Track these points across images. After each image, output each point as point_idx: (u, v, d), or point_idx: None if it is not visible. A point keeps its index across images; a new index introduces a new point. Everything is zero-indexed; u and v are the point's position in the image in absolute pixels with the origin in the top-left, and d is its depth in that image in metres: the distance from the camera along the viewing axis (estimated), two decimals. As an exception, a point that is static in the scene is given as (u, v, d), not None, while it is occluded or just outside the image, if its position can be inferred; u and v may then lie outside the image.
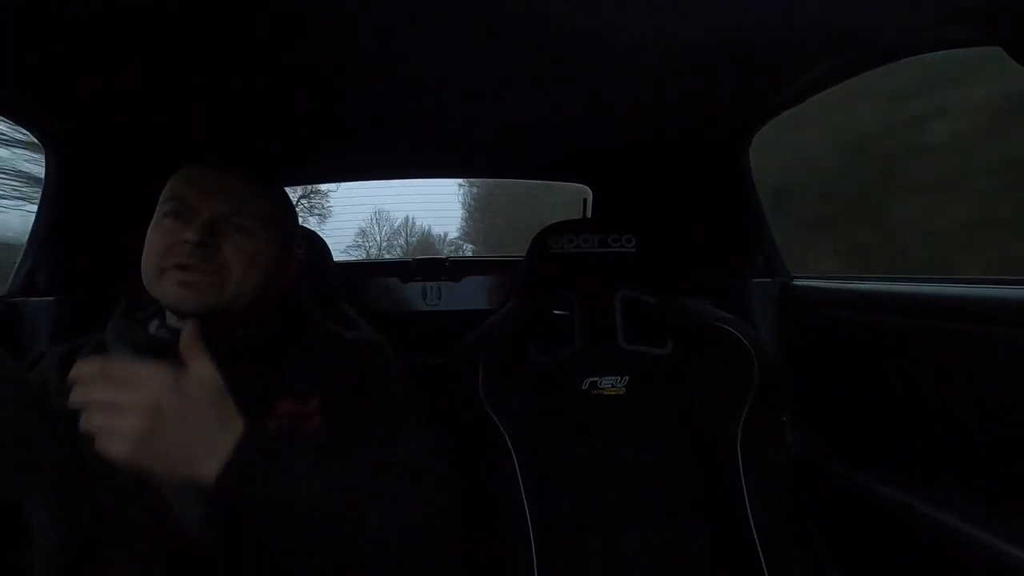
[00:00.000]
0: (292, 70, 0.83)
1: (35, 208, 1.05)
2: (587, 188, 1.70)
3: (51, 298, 1.02)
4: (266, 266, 0.73)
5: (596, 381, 1.03)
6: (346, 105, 1.00)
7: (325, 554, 0.56)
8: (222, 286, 0.68)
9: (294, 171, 1.54)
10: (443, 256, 1.65)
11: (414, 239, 9.27)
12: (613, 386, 1.03)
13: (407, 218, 9.29)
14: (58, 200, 1.04)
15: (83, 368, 0.49)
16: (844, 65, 0.83)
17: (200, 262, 0.67)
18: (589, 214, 1.67)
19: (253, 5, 0.64)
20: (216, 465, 0.50)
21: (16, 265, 1.04)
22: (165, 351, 0.70)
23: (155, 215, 0.71)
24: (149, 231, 0.71)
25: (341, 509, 0.56)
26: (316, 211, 8.91)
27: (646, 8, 0.66)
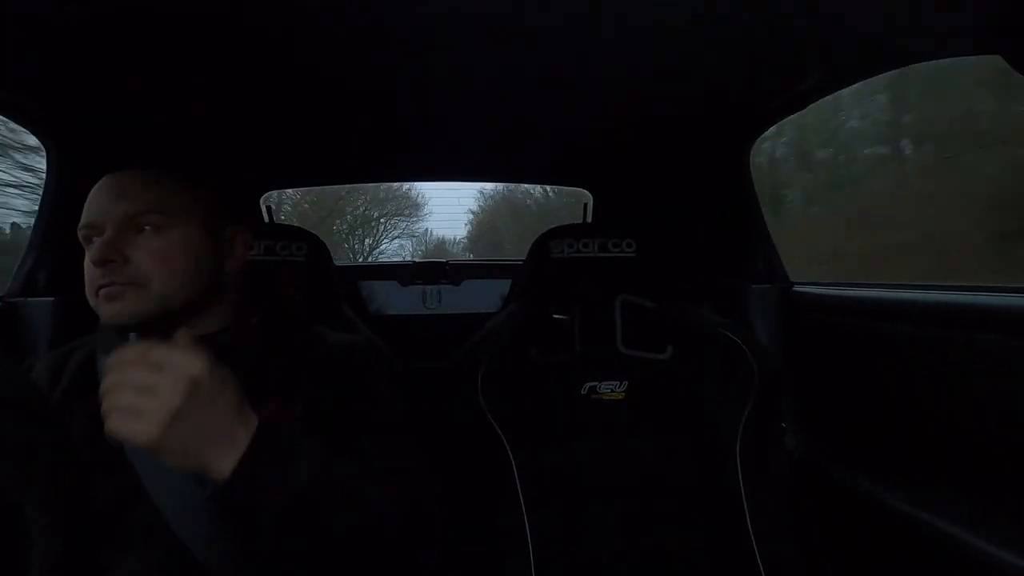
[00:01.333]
0: (294, 72, 0.83)
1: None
2: (588, 193, 1.70)
3: (51, 299, 1.02)
4: (189, 255, 0.70)
5: (595, 386, 1.03)
6: (347, 108, 1.00)
7: (310, 548, 0.56)
8: (144, 290, 0.67)
9: (293, 173, 1.54)
10: (443, 260, 1.65)
11: (431, 245, 12.09)
12: (612, 391, 1.03)
13: (426, 229, 12.11)
14: (58, 200, 1.04)
15: (122, 353, 0.50)
16: (845, 71, 0.84)
17: (113, 276, 0.66)
18: (590, 218, 1.67)
19: (256, 7, 0.64)
20: (233, 458, 0.50)
21: (16, 265, 1.04)
22: None
23: None
24: None
25: (338, 506, 0.57)
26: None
27: (648, 12, 0.67)
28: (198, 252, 0.71)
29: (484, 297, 1.59)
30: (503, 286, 1.59)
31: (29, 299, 1.01)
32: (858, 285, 1.05)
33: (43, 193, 1.04)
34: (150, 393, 0.47)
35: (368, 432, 0.71)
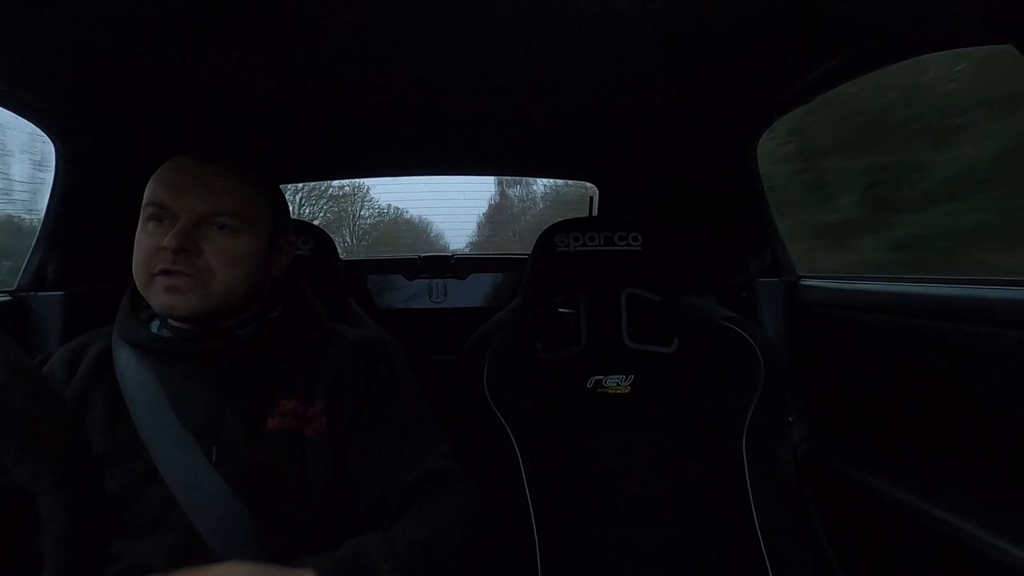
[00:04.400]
0: (300, 67, 0.83)
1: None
2: (593, 186, 1.70)
3: (60, 292, 1.03)
4: (252, 261, 0.72)
5: (601, 379, 1.03)
6: (354, 102, 1.00)
7: None
8: (207, 287, 0.68)
9: (299, 167, 1.54)
10: (449, 254, 1.65)
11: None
12: (618, 385, 1.03)
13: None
14: (67, 195, 1.05)
15: None
16: (854, 62, 0.83)
17: (183, 266, 0.67)
18: (595, 212, 1.67)
19: (263, 2, 0.64)
20: None
21: (26, 259, 1.05)
22: (167, 350, 0.71)
23: (140, 217, 0.71)
24: (136, 234, 0.71)
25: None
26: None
27: (654, 4, 0.66)
28: (259, 258, 0.73)
29: (490, 291, 1.60)
30: (509, 280, 1.60)
31: (38, 293, 1.02)
32: (865, 279, 1.04)
33: (51, 188, 1.05)
34: None
35: (399, 429, 0.72)
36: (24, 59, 0.77)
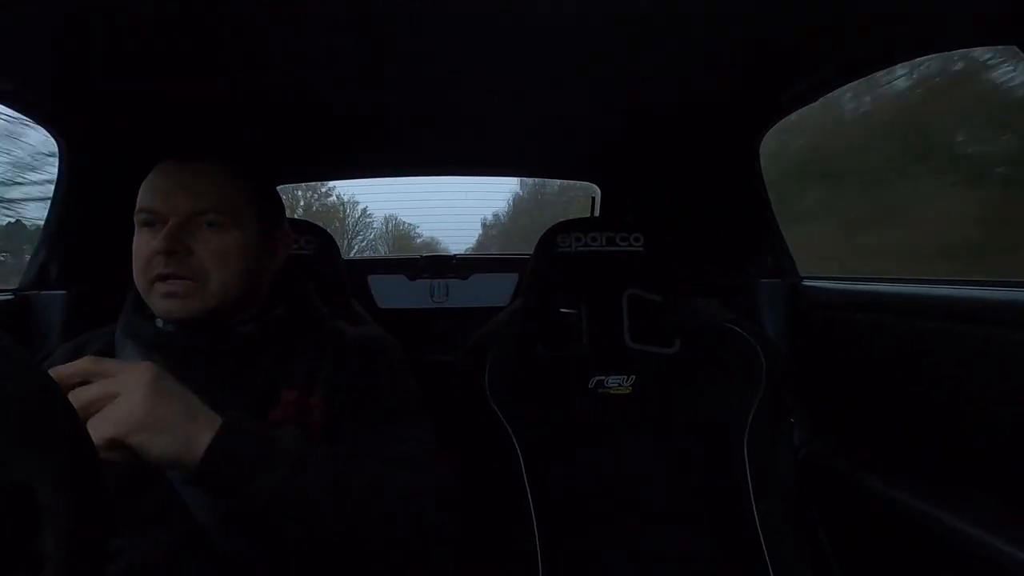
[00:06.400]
0: (301, 67, 0.83)
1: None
2: (595, 187, 1.70)
3: (63, 291, 1.03)
4: (246, 256, 0.72)
5: (602, 380, 1.03)
6: (357, 103, 1.00)
7: (318, 543, 0.56)
8: (204, 288, 0.69)
9: (301, 168, 1.55)
10: (451, 254, 1.65)
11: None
12: (619, 385, 1.03)
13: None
14: (71, 194, 1.05)
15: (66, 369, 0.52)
16: (856, 63, 0.83)
17: (176, 269, 0.67)
18: (597, 212, 1.67)
19: (264, 2, 0.64)
20: (197, 455, 0.51)
21: (29, 259, 1.05)
22: (171, 346, 0.71)
23: (135, 225, 0.71)
24: (133, 242, 0.71)
25: (331, 498, 0.56)
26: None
27: (657, 6, 0.66)
28: (252, 253, 0.73)
29: (492, 292, 1.60)
30: (511, 280, 1.59)
31: (41, 292, 1.03)
32: (867, 280, 1.04)
33: (55, 187, 1.05)
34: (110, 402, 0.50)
35: (383, 420, 0.72)
36: (29, 58, 0.77)
